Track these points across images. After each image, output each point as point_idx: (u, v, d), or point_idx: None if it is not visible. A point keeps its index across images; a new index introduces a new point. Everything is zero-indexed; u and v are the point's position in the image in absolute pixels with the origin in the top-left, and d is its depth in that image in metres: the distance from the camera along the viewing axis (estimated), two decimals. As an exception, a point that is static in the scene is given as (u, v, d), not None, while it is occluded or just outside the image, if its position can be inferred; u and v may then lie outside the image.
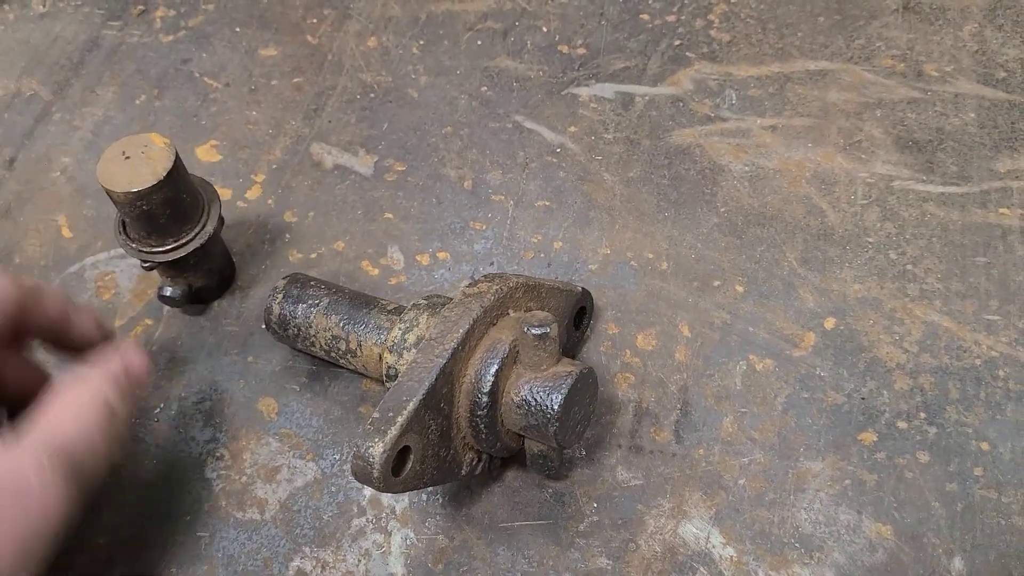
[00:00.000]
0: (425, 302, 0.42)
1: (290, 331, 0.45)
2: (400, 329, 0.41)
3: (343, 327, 0.43)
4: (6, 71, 0.61)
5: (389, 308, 0.43)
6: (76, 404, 0.34)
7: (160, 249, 0.44)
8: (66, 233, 0.53)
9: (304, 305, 0.44)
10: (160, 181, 0.41)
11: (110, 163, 0.42)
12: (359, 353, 0.43)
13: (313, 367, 0.47)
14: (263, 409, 0.46)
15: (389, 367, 0.41)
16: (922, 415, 0.45)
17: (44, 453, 0.32)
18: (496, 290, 0.39)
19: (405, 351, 0.40)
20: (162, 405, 0.46)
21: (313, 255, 0.52)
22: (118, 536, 0.42)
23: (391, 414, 0.36)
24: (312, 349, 0.45)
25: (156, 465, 0.44)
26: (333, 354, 0.44)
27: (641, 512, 0.42)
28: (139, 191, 0.41)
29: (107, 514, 0.43)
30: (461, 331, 0.38)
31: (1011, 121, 0.55)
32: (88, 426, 0.34)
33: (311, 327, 0.44)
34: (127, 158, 0.42)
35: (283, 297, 0.45)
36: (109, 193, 0.41)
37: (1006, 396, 0.45)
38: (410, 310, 0.42)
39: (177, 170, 0.42)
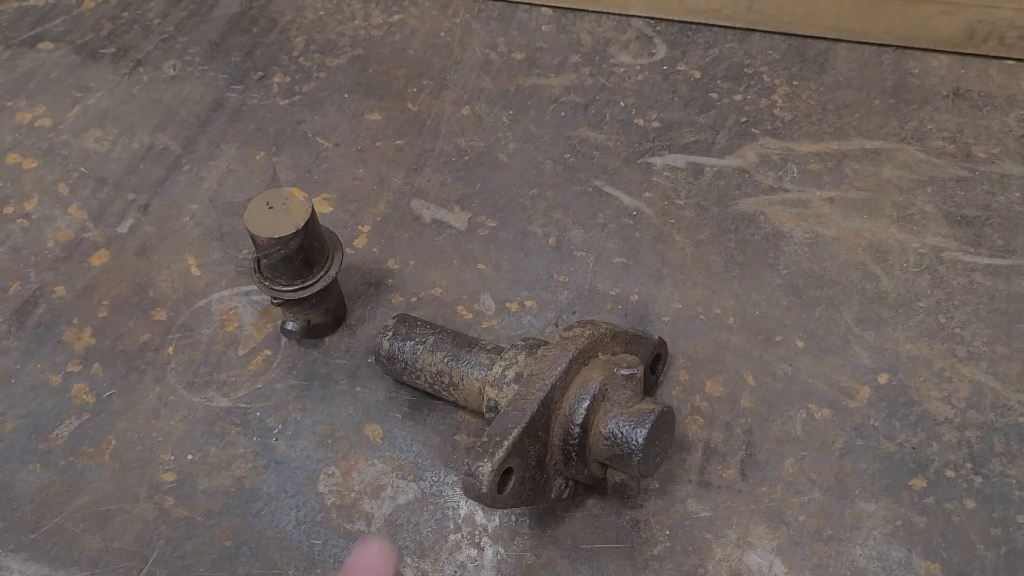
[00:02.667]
0: (523, 343, 0.48)
1: (397, 365, 0.50)
2: (501, 366, 0.47)
3: (447, 363, 0.49)
4: (141, 127, 0.68)
5: (489, 348, 0.49)
6: None
7: (290, 288, 0.50)
8: (195, 271, 0.60)
9: (412, 342, 0.50)
10: (299, 230, 0.48)
11: (255, 212, 0.48)
12: (461, 386, 0.48)
13: (414, 398, 0.53)
14: (369, 434, 0.52)
15: (490, 399, 0.46)
16: (968, 465, 0.49)
17: None
18: (589, 335, 0.45)
19: (505, 385, 0.46)
20: (280, 426, 0.52)
21: (413, 299, 0.57)
22: (241, 539, 0.48)
23: (498, 439, 0.41)
24: (417, 382, 0.50)
25: (276, 479, 0.50)
26: (436, 386, 0.50)
27: (709, 541, 0.47)
28: (280, 237, 0.47)
29: (235, 518, 0.48)
30: (559, 369, 0.43)
31: (1054, 201, 0.60)
32: None
33: (418, 362, 0.50)
34: (270, 208, 0.48)
35: (393, 335, 0.51)
36: (254, 238, 0.48)
37: (1047, 451, 0.49)
38: (509, 350, 0.47)
39: (313, 221, 0.49)
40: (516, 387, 0.45)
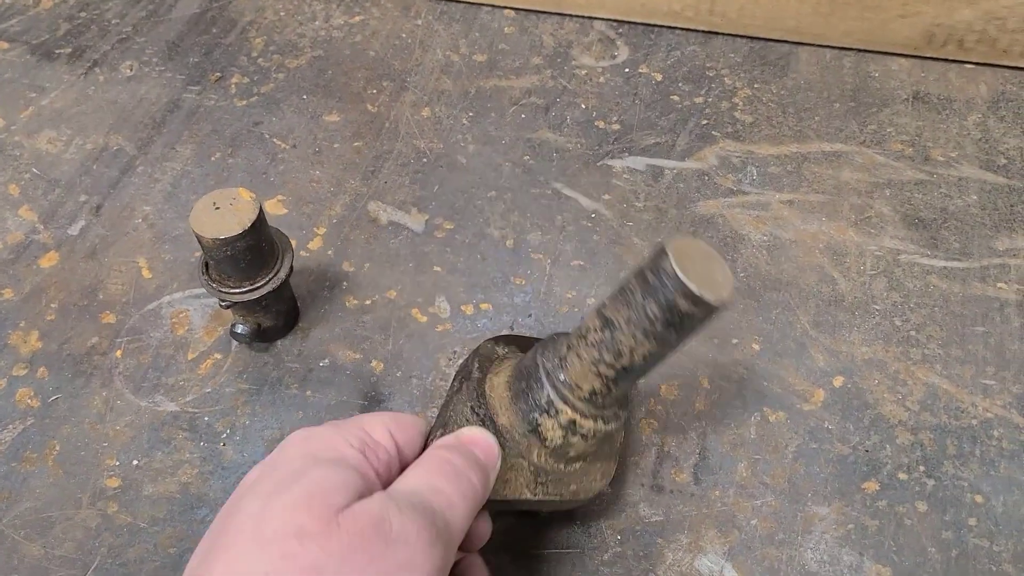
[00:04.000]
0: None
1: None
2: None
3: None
4: (96, 128, 0.67)
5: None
6: (427, 467, 0.36)
7: (238, 290, 0.50)
8: (146, 274, 0.59)
9: None
10: (245, 230, 0.47)
11: (202, 212, 0.47)
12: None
13: (365, 403, 0.52)
14: (319, 438, 0.51)
15: None
16: (921, 468, 0.49)
17: (402, 500, 0.33)
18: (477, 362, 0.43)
19: None
20: (228, 431, 0.51)
21: (368, 301, 0.57)
22: (186, 546, 0.47)
23: None
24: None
25: (223, 485, 0.49)
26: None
27: (661, 546, 0.46)
28: (226, 238, 0.47)
29: (180, 525, 0.47)
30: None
31: (1010, 204, 0.60)
32: (442, 484, 0.35)
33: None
34: (217, 208, 0.48)
35: None
36: (199, 238, 0.47)
37: (999, 454, 0.49)
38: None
39: (260, 221, 0.48)
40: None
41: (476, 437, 0.38)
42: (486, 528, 0.40)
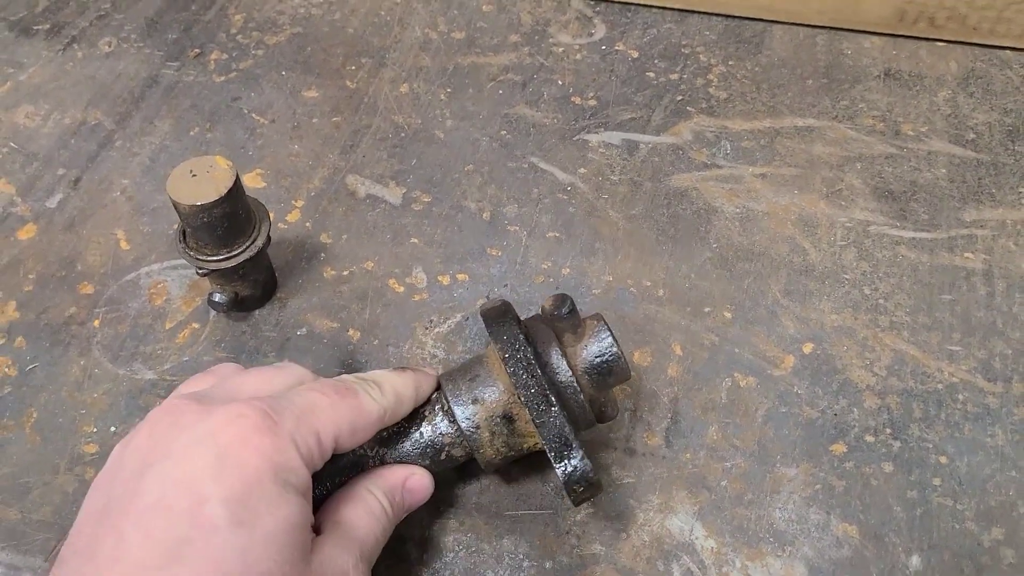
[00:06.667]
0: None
1: None
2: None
3: None
4: (74, 102, 0.67)
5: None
6: (371, 514, 0.40)
7: (215, 258, 0.50)
8: (124, 246, 0.59)
9: None
10: (221, 197, 0.47)
11: (178, 179, 0.48)
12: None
13: (341, 370, 0.53)
14: (296, 405, 0.51)
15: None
16: (888, 431, 0.50)
17: (358, 554, 0.38)
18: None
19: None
20: (206, 398, 0.51)
21: (345, 272, 0.57)
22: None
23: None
24: None
25: (200, 449, 0.49)
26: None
27: (632, 507, 0.47)
28: (202, 204, 0.47)
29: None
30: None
31: (978, 177, 0.61)
32: (379, 533, 0.41)
33: None
34: (194, 176, 0.48)
35: None
36: (176, 205, 0.47)
37: (964, 417, 0.50)
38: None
39: (237, 189, 0.48)
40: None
41: (418, 486, 0.43)
42: (428, 483, 0.44)
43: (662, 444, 0.49)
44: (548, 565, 0.45)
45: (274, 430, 0.35)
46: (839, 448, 0.49)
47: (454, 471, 0.47)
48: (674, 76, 0.68)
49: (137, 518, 0.33)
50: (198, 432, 0.35)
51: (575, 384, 0.42)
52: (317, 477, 0.39)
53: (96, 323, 0.55)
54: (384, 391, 0.41)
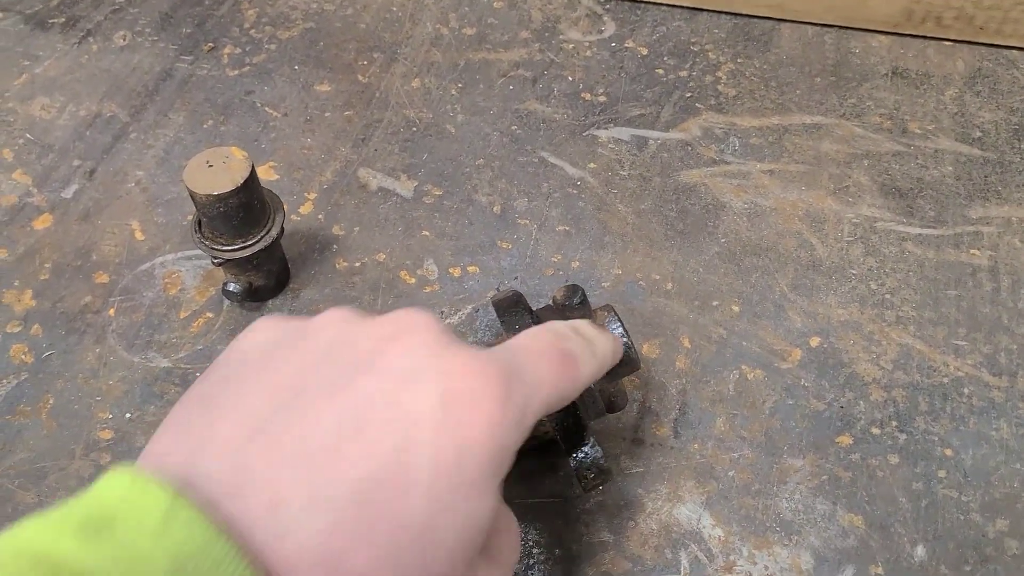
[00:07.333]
0: None
1: None
2: None
3: None
4: (89, 95, 0.68)
5: None
6: (516, 536, 0.34)
7: (230, 248, 0.51)
8: (139, 236, 0.60)
9: None
10: (238, 187, 0.48)
11: (195, 169, 0.48)
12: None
13: (354, 360, 0.53)
14: (309, 394, 0.52)
15: None
16: (894, 423, 0.50)
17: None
18: None
19: None
20: (220, 386, 0.52)
21: (357, 264, 0.58)
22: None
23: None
24: None
25: (214, 436, 0.50)
26: None
27: (641, 495, 0.48)
28: (219, 194, 0.48)
29: (170, 476, 0.49)
30: None
31: (984, 175, 0.62)
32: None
33: None
34: (210, 166, 0.49)
35: None
36: (192, 195, 0.48)
37: (969, 410, 0.50)
38: None
39: (252, 179, 0.49)
40: None
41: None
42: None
43: (670, 435, 0.50)
44: (558, 552, 0.46)
45: (505, 403, 0.30)
46: (845, 440, 0.50)
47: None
48: (683, 73, 0.69)
49: (338, 413, 0.28)
50: (427, 361, 0.30)
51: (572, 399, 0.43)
52: None
53: (111, 312, 0.55)
54: (596, 355, 0.36)
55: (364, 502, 0.27)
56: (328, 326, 0.32)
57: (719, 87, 0.68)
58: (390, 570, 0.27)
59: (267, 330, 0.34)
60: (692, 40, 0.71)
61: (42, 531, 0.25)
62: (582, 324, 0.37)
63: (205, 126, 0.66)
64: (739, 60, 0.70)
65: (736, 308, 0.55)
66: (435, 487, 0.28)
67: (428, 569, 0.28)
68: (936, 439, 0.49)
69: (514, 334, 0.42)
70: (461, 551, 0.28)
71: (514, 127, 0.66)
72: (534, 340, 0.34)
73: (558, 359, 0.33)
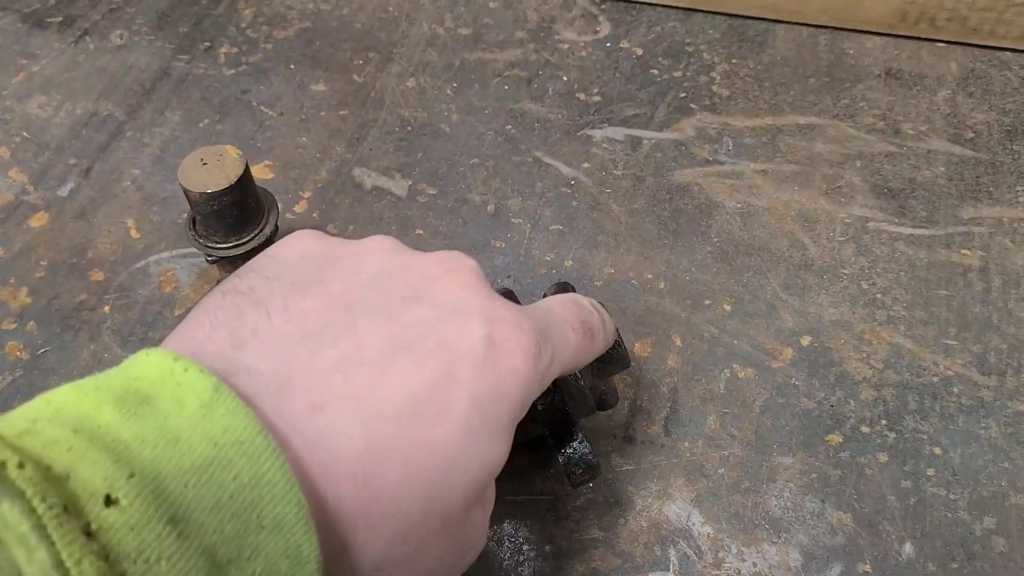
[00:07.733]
0: None
1: None
2: None
3: None
4: (85, 94, 0.68)
5: None
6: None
7: (224, 245, 0.51)
8: (134, 234, 0.60)
9: None
10: (231, 185, 0.48)
11: (189, 167, 0.49)
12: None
13: (348, 358, 0.54)
14: (302, 391, 0.52)
15: None
16: (883, 422, 0.50)
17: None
18: None
19: None
20: (214, 383, 0.52)
21: (351, 262, 0.58)
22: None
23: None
24: None
25: (207, 433, 0.50)
26: None
27: (631, 493, 0.48)
28: (212, 192, 0.48)
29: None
30: None
31: (976, 176, 0.62)
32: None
33: None
34: (204, 164, 0.49)
35: None
36: (187, 192, 0.48)
37: (958, 409, 0.51)
38: None
39: (246, 177, 0.49)
40: None
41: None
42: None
43: (661, 433, 0.50)
44: (547, 548, 0.46)
45: (536, 359, 0.32)
46: (835, 438, 0.50)
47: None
48: (678, 73, 0.69)
49: (389, 335, 0.29)
50: (475, 302, 0.32)
51: (576, 371, 0.43)
52: None
53: (106, 309, 0.56)
54: (607, 335, 0.39)
55: (404, 422, 0.28)
56: (375, 253, 0.34)
57: (713, 87, 0.68)
58: (416, 492, 0.28)
59: (310, 242, 0.35)
60: (687, 41, 0.72)
61: (82, 397, 0.25)
62: (598, 304, 0.40)
63: (201, 125, 0.66)
64: (733, 61, 0.70)
65: (728, 307, 0.56)
66: (470, 421, 0.29)
67: (446, 497, 0.29)
68: (925, 438, 0.50)
69: None
70: (476, 486, 0.30)
71: (508, 127, 0.66)
72: (563, 308, 0.37)
73: (581, 330, 0.36)
